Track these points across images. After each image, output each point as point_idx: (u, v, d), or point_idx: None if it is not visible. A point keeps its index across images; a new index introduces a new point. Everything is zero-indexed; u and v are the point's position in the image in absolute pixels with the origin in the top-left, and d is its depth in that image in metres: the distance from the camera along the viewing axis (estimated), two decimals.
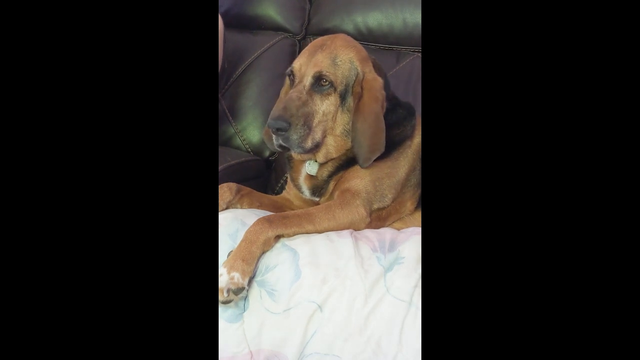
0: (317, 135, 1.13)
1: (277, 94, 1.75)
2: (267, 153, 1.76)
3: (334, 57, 1.14)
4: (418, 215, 1.23)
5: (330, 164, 1.19)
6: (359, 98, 1.13)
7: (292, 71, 1.16)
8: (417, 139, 1.21)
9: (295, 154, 1.20)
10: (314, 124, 1.12)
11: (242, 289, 0.96)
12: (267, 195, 1.30)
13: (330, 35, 1.21)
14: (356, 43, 1.21)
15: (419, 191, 1.22)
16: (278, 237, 1.04)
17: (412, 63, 1.71)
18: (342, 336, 0.94)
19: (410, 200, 1.22)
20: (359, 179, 1.14)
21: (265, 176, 1.73)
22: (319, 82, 1.12)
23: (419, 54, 1.72)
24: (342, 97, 1.14)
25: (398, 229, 1.15)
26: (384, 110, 1.15)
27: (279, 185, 1.70)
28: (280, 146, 1.13)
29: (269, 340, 0.97)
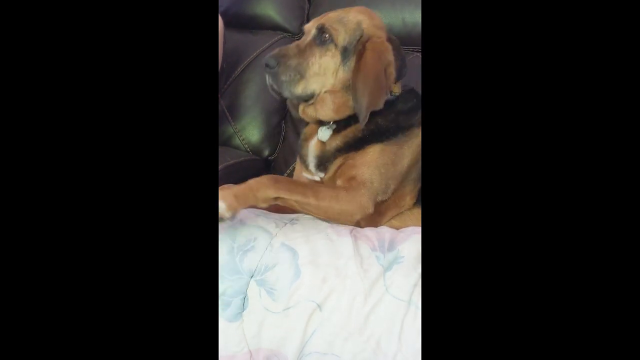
0: (312, 85, 1.16)
1: None
2: (266, 153, 1.76)
3: (342, 17, 1.17)
4: (417, 213, 1.21)
5: (339, 138, 1.19)
6: (360, 56, 1.14)
7: (303, 27, 1.21)
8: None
9: (305, 113, 1.22)
10: (308, 74, 1.15)
11: (221, 219, 0.97)
12: None
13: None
14: (375, 15, 1.23)
15: (419, 186, 1.21)
16: (277, 199, 1.05)
17: (411, 62, 1.71)
18: (342, 335, 0.94)
19: (410, 194, 1.21)
20: (366, 167, 1.14)
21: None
22: (321, 36, 1.15)
23: (418, 54, 1.73)
24: (344, 56, 1.16)
25: (397, 228, 1.15)
26: (390, 78, 1.16)
27: None
28: (273, 89, 1.16)
29: (268, 340, 0.97)
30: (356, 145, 1.17)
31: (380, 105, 1.13)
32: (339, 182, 1.16)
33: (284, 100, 1.77)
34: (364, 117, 1.12)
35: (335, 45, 1.15)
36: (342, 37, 1.15)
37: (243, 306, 0.98)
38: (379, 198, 1.14)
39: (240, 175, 1.54)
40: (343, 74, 1.16)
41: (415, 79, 1.66)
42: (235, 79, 1.78)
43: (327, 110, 1.19)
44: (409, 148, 1.18)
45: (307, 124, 1.30)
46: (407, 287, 0.95)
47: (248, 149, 1.75)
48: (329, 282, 0.97)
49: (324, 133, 1.21)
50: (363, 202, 1.10)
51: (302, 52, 1.15)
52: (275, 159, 1.76)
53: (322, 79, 1.16)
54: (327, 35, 1.15)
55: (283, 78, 1.14)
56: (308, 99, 1.18)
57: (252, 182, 1.03)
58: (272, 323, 0.96)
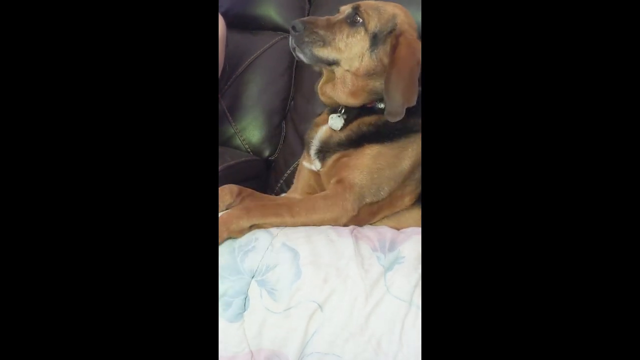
0: (335, 54, 1.16)
1: (277, 94, 1.77)
2: (266, 153, 1.76)
3: (379, 6, 1.19)
4: (414, 213, 1.20)
5: (344, 131, 1.19)
6: (394, 49, 1.15)
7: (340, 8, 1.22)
8: None
9: (322, 91, 1.23)
10: (332, 44, 1.16)
11: None
12: (269, 196, 1.30)
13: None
14: (410, 14, 1.24)
15: (421, 187, 1.19)
16: (253, 227, 1.04)
17: None
18: (343, 336, 0.94)
19: (410, 195, 1.19)
20: (358, 171, 1.13)
21: (264, 176, 1.73)
22: (354, 16, 1.16)
23: None
24: (373, 42, 1.16)
25: (398, 229, 1.15)
26: (419, 74, 1.16)
27: (279, 185, 1.71)
28: (294, 50, 1.17)
29: (269, 340, 0.97)
30: (357, 141, 1.17)
31: (414, 101, 1.12)
32: (331, 182, 1.15)
33: (284, 100, 1.77)
34: (397, 113, 1.11)
35: (366, 30, 1.16)
36: (374, 24, 1.16)
37: (244, 306, 0.98)
38: (367, 200, 1.13)
39: (240, 175, 1.55)
40: (369, 60, 1.17)
41: None
42: (235, 80, 1.78)
43: (345, 90, 1.19)
44: (412, 150, 1.16)
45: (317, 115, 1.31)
46: (408, 288, 0.95)
47: (248, 150, 1.75)
48: (330, 283, 0.97)
49: (335, 121, 1.21)
50: (346, 206, 1.10)
51: (331, 26, 1.16)
52: (275, 159, 1.76)
53: (346, 55, 1.17)
54: (359, 18, 1.16)
55: (306, 39, 1.15)
56: (330, 63, 1.18)
57: (223, 215, 1.02)
58: (273, 323, 0.96)
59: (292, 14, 1.82)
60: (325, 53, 1.16)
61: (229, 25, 1.69)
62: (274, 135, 1.76)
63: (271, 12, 1.83)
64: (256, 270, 0.99)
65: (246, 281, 0.99)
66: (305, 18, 1.18)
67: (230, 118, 1.76)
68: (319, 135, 1.24)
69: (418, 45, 1.17)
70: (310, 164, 1.25)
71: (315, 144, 1.24)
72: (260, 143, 1.75)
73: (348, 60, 1.17)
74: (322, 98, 1.26)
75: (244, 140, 1.75)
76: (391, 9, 1.20)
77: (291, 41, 1.17)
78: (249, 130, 1.75)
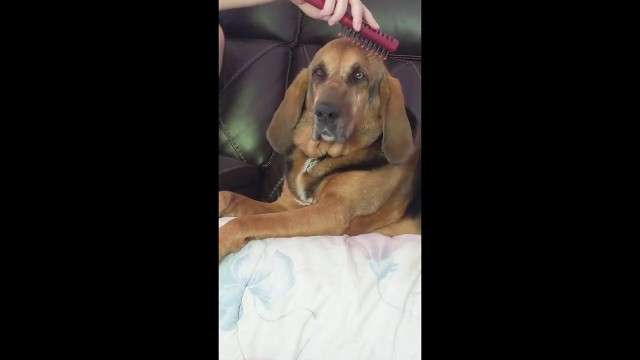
0: (352, 126, 1.12)
1: (270, 102, 1.77)
2: (260, 160, 1.76)
3: (365, 53, 1.15)
4: (407, 224, 1.22)
5: (328, 162, 1.18)
6: (387, 99, 1.15)
7: (322, 65, 1.15)
8: (416, 148, 1.20)
9: (310, 149, 1.18)
10: (351, 114, 1.10)
11: None
12: (262, 203, 1.31)
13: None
14: None
15: (408, 201, 1.22)
16: (248, 239, 1.04)
17: (404, 71, 1.72)
18: (337, 343, 0.94)
19: (397, 209, 1.21)
20: (348, 186, 1.14)
21: (258, 184, 1.74)
22: (355, 75, 1.12)
23: (411, 62, 1.74)
24: (371, 93, 1.15)
25: (390, 236, 1.16)
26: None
27: (272, 192, 1.71)
28: (318, 136, 1.09)
29: (263, 348, 0.97)
30: (343, 169, 1.17)
31: (412, 145, 1.14)
32: (322, 195, 1.16)
33: (277, 108, 1.77)
34: (401, 155, 1.13)
35: (367, 83, 1.13)
36: (371, 76, 1.14)
37: (238, 315, 0.98)
38: (358, 213, 1.14)
39: (234, 183, 1.55)
40: (367, 111, 1.15)
41: (406, 87, 1.68)
42: (228, 87, 1.78)
43: (342, 147, 1.15)
44: (399, 168, 1.18)
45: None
46: (401, 295, 0.95)
47: (242, 157, 1.75)
48: (324, 290, 0.97)
49: (311, 165, 1.20)
50: (339, 217, 1.11)
51: (346, 93, 1.10)
52: (269, 166, 1.77)
53: (357, 118, 1.13)
54: (360, 75, 1.12)
55: (340, 124, 1.06)
56: (349, 140, 1.13)
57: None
58: (266, 331, 0.97)
59: (285, 22, 1.82)
60: (350, 130, 1.10)
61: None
62: (267, 142, 1.76)
63: (264, 20, 1.83)
64: (250, 278, 0.99)
65: (240, 289, 0.99)
66: (328, 96, 1.07)
67: (224, 126, 1.76)
68: (300, 184, 1.23)
69: (399, 84, 1.18)
70: (303, 202, 1.24)
71: (302, 193, 1.23)
72: (254, 151, 1.75)
73: (358, 121, 1.14)
74: (312, 155, 1.19)
75: (237, 147, 1.75)
76: (369, 51, 1.16)
77: (320, 127, 1.07)
78: (242, 138, 1.75)
